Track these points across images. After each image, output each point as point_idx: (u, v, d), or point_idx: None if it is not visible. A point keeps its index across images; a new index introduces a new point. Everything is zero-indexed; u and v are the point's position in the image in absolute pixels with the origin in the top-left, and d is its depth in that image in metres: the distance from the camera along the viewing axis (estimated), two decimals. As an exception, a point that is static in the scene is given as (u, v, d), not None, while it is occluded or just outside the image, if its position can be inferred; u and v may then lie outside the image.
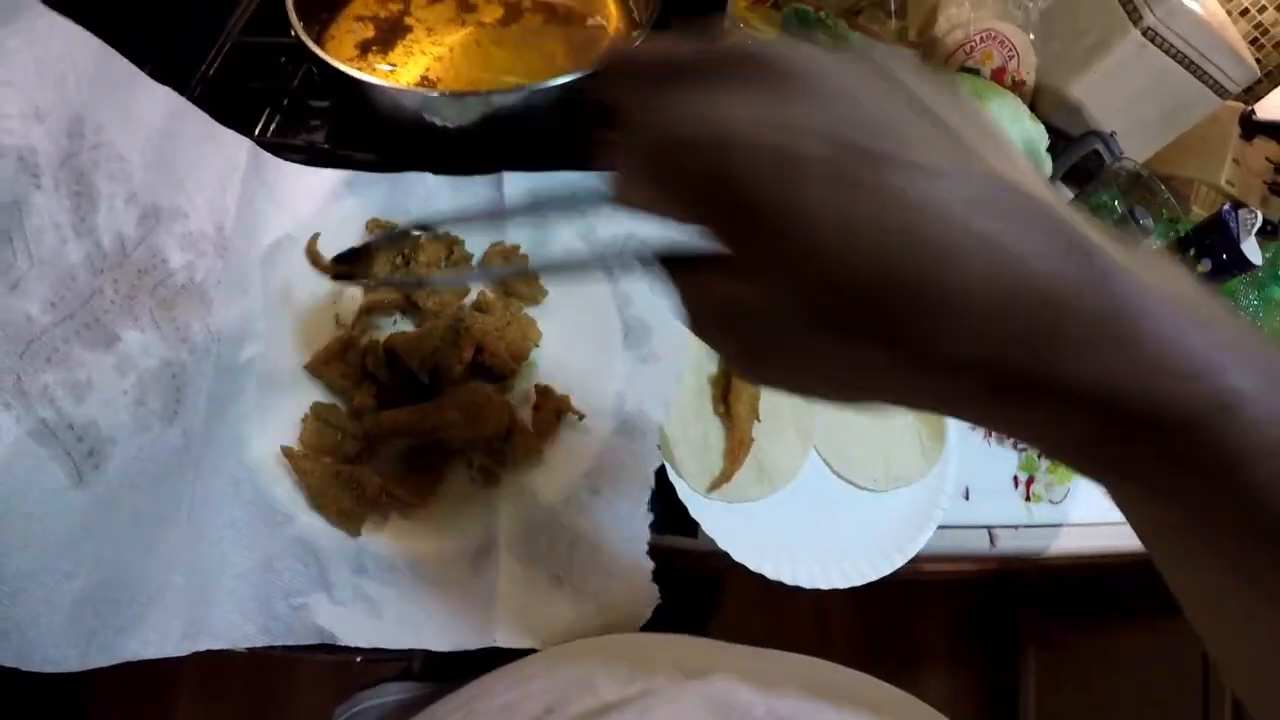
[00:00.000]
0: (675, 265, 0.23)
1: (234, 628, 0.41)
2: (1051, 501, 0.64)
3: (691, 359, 0.51)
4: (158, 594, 0.39)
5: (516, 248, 0.51)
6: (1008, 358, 0.17)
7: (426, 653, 0.43)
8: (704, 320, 0.22)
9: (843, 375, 0.20)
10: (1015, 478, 0.63)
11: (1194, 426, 0.16)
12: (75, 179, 0.39)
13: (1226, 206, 0.66)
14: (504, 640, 0.42)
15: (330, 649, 0.43)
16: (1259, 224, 0.65)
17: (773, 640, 0.41)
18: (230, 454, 0.44)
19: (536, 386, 0.49)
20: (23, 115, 0.37)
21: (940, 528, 0.59)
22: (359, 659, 0.45)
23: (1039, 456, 0.64)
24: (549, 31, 0.61)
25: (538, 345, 0.50)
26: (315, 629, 0.42)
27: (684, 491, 0.49)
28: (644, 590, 0.45)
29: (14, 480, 0.33)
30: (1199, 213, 0.72)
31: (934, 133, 0.18)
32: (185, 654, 0.40)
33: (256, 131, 0.58)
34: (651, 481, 0.46)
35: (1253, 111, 0.72)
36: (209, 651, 0.42)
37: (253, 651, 0.48)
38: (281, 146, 0.56)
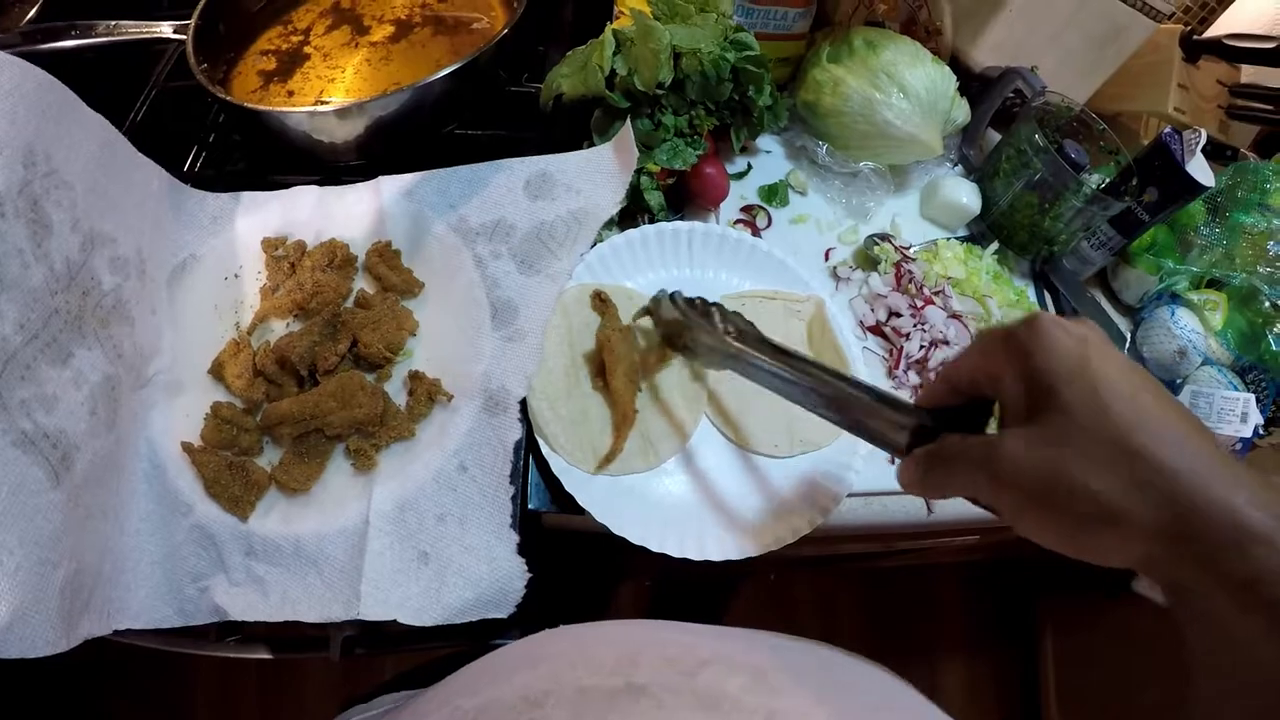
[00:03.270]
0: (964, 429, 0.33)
1: (153, 609, 0.45)
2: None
3: (557, 336, 0.52)
4: (98, 580, 0.44)
5: (389, 244, 0.53)
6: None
7: (346, 656, 0.45)
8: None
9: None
10: (949, 437, 0.59)
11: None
12: (30, 207, 0.43)
13: (1167, 130, 0.62)
14: (368, 613, 0.44)
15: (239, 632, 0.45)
16: (1203, 142, 0.60)
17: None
18: (144, 455, 0.49)
19: (410, 373, 0.50)
20: None
21: (865, 495, 0.57)
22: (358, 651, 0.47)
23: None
24: (435, 41, 0.64)
25: (415, 334, 0.52)
26: (214, 608, 0.45)
27: (558, 467, 0.49)
28: (508, 564, 0.45)
29: (7, 486, 0.38)
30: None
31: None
32: (108, 633, 0.44)
33: (185, 168, 0.63)
34: (510, 455, 0.47)
35: (1192, 32, 0.67)
36: (221, 666, 0.45)
37: (261, 662, 0.51)
38: (208, 179, 0.61)
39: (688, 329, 0.47)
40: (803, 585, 1.24)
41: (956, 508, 0.58)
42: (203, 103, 0.67)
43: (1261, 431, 0.60)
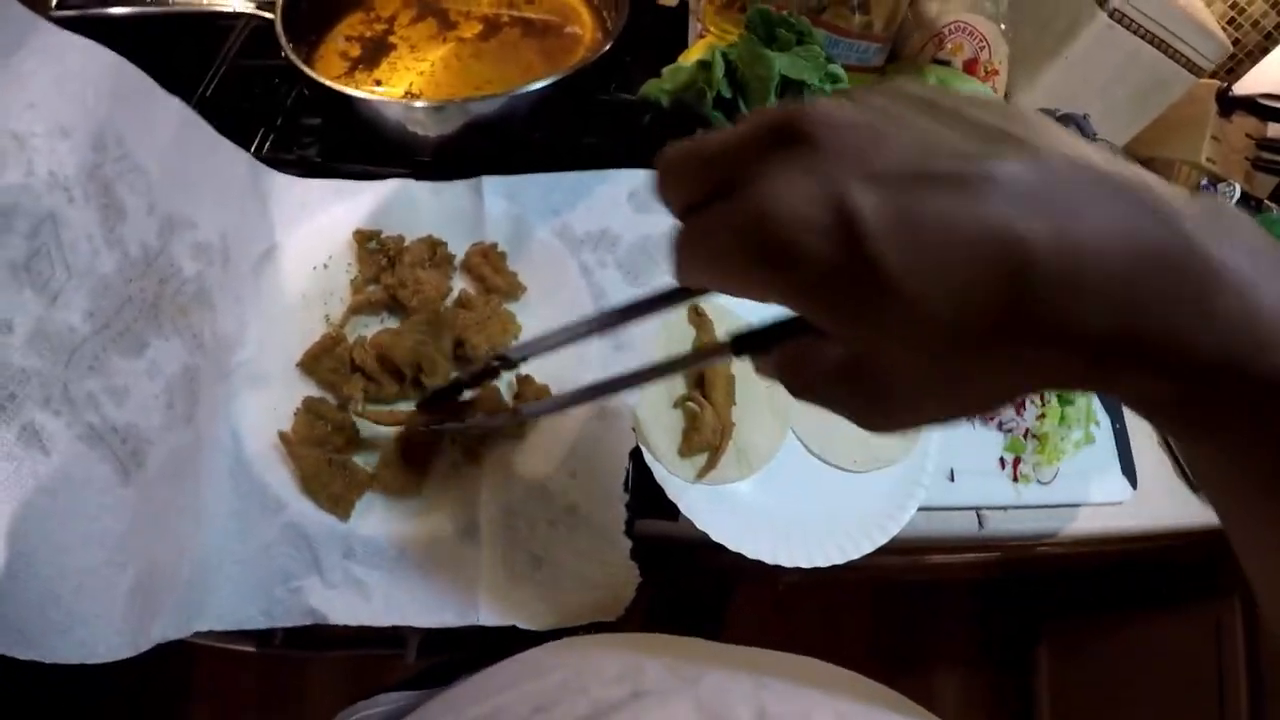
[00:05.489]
0: (767, 346, 0.23)
1: (237, 610, 0.44)
2: (1040, 482, 0.64)
3: (661, 347, 0.53)
4: (173, 582, 0.42)
5: (494, 245, 0.53)
6: (1119, 327, 0.17)
7: (423, 657, 0.45)
8: (816, 390, 0.22)
9: (972, 390, 0.20)
10: (1002, 459, 0.63)
11: (1271, 390, 0.17)
12: (102, 191, 0.41)
13: (1204, 182, 0.67)
14: (487, 619, 0.44)
15: (329, 643, 0.44)
16: (1237, 196, 0.65)
17: (785, 644, 0.41)
18: (229, 450, 0.47)
19: (518, 376, 0.50)
20: (49, 133, 0.39)
21: (926, 510, 0.60)
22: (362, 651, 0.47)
23: (1024, 437, 0.64)
24: (526, 43, 0.64)
25: (517, 338, 0.52)
26: (308, 610, 0.44)
27: (660, 474, 0.50)
28: (623, 568, 0.46)
29: (72, 482, 0.36)
30: (1181, 192, 0.72)
31: (979, 132, 0.18)
32: (190, 635, 0.43)
33: (252, 150, 0.61)
34: (625, 462, 0.48)
35: (1229, 88, 0.73)
36: (217, 659, 0.44)
37: (264, 654, 0.49)
38: (276, 162, 0.59)
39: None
40: (807, 596, 1.28)
41: (1008, 525, 0.63)
42: (272, 82, 0.65)
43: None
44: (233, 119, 0.62)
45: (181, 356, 0.44)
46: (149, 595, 0.39)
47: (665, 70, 0.59)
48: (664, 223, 0.58)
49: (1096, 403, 0.69)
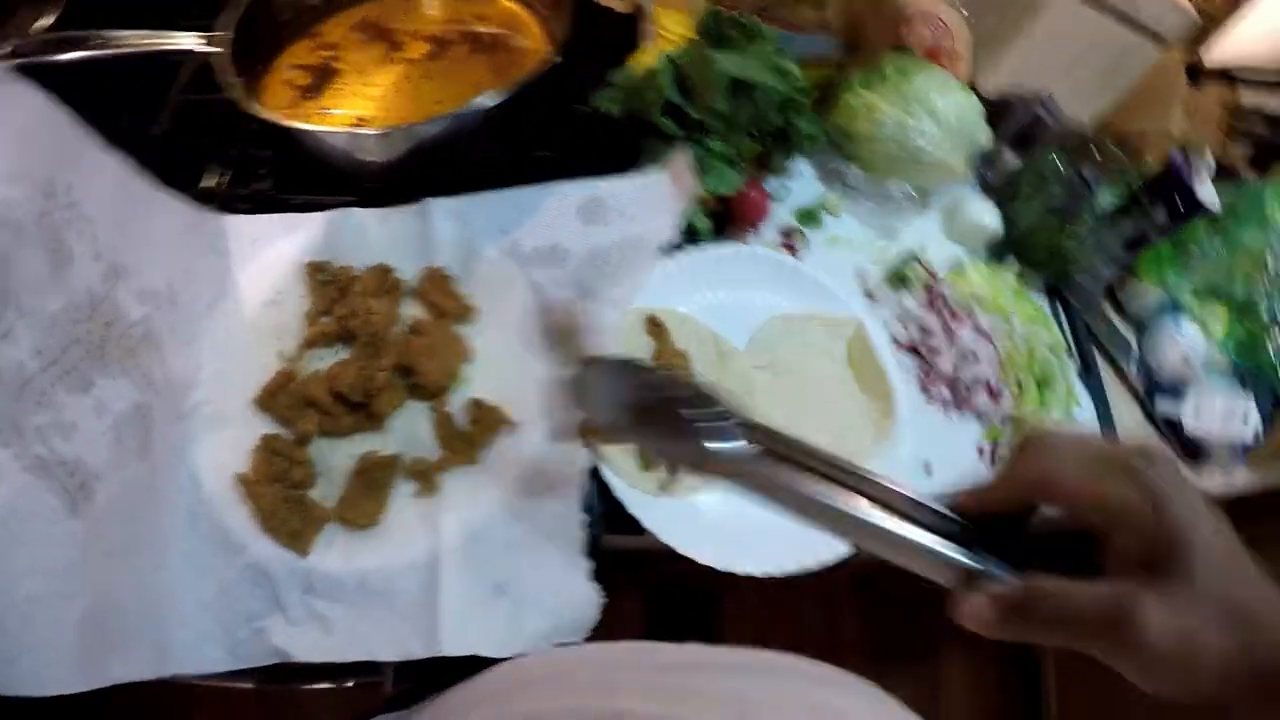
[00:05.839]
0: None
1: (200, 653, 0.43)
2: (1021, 470, 0.63)
3: (620, 360, 0.52)
4: (132, 622, 0.42)
5: (442, 269, 0.53)
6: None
7: (400, 684, 0.45)
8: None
9: None
10: (980, 447, 0.62)
11: None
12: (51, 236, 0.43)
13: (1176, 154, 0.65)
14: (449, 649, 0.44)
15: (305, 675, 0.44)
16: (1211, 167, 0.64)
17: (785, 641, 0.40)
18: (188, 491, 0.47)
19: (471, 399, 0.50)
20: (3, 177, 0.40)
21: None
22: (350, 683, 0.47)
23: (1002, 424, 0.63)
24: (475, 60, 0.63)
25: (470, 361, 0.52)
26: (273, 649, 0.44)
27: (620, 489, 0.49)
28: (582, 592, 0.46)
29: (19, 512, 0.37)
30: (1155, 166, 0.70)
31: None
32: (157, 678, 0.42)
33: (209, 185, 0.61)
34: (580, 483, 0.47)
35: (1199, 60, 0.71)
36: (219, 688, 0.44)
37: (260, 690, 0.49)
38: (232, 197, 0.60)
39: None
40: (804, 589, 1.27)
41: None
42: (225, 117, 0.65)
43: (1261, 435, 0.64)
44: (185, 155, 0.62)
45: (131, 395, 0.45)
46: (104, 631, 0.39)
47: (615, 77, 0.58)
48: (613, 234, 0.58)
49: (1077, 382, 0.67)
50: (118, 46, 0.59)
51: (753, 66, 0.55)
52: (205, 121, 0.63)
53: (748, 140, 0.58)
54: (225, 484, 0.47)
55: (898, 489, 0.30)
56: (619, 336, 0.53)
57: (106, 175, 0.48)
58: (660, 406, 0.32)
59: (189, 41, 0.60)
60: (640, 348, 0.54)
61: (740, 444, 0.31)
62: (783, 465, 0.31)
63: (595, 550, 0.52)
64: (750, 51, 0.55)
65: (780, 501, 0.31)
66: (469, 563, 0.46)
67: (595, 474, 0.50)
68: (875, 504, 0.30)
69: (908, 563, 0.30)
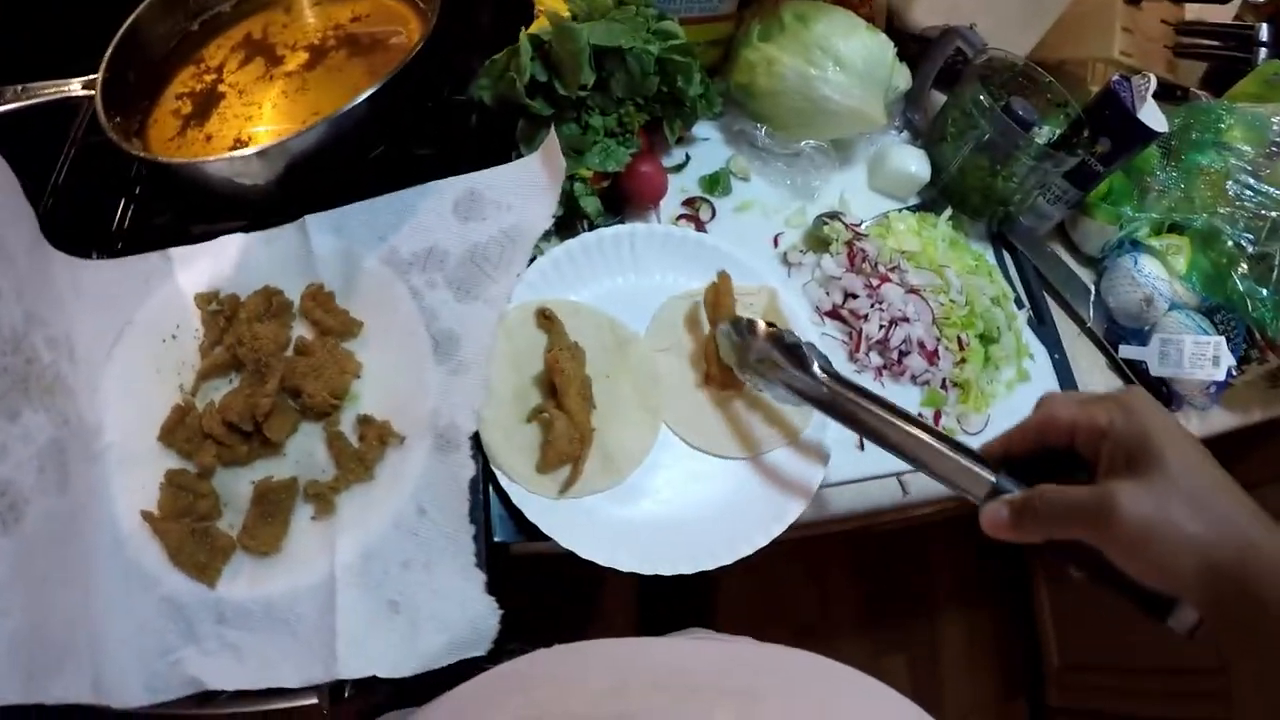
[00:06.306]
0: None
1: (124, 687, 0.44)
2: (968, 432, 0.59)
3: (502, 361, 0.50)
4: (69, 648, 0.43)
5: (321, 286, 0.52)
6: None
7: (337, 704, 0.44)
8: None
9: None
10: (919, 415, 0.58)
11: None
12: None
13: (1115, 77, 0.60)
14: (346, 671, 0.43)
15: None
16: (1153, 87, 0.58)
17: (778, 611, 0.42)
18: (108, 530, 0.48)
19: (359, 416, 0.49)
20: None
21: (837, 485, 0.56)
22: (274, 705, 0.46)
23: (944, 387, 0.59)
24: (352, 64, 0.61)
25: (359, 376, 0.51)
26: (189, 679, 0.44)
27: (518, 496, 0.48)
28: (479, 603, 0.45)
29: None
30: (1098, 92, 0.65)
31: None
32: (96, 705, 0.43)
33: (113, 226, 0.61)
34: (467, 493, 0.46)
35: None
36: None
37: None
38: (137, 235, 0.59)
39: (775, 367, 0.48)
40: (793, 557, 1.24)
41: (934, 487, 0.58)
42: (124, 157, 0.65)
43: (1234, 373, 0.59)
44: (87, 197, 0.62)
45: (49, 430, 0.46)
46: (37, 650, 0.40)
47: (485, 64, 0.56)
48: (490, 228, 0.56)
49: (1030, 334, 0.63)
50: (6, 101, 0.59)
51: (620, 32, 0.51)
52: (105, 164, 0.63)
53: (632, 110, 0.54)
54: (138, 522, 0.48)
55: (935, 429, 0.42)
56: (505, 332, 0.51)
57: (24, 223, 0.49)
58: (781, 350, 0.48)
59: (75, 87, 0.60)
60: (532, 342, 0.52)
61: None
62: (863, 396, 0.45)
63: (505, 558, 0.50)
64: (615, 16, 0.52)
65: (863, 422, 0.45)
66: (364, 582, 0.46)
67: (495, 482, 0.48)
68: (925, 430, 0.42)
69: (947, 474, 0.40)
